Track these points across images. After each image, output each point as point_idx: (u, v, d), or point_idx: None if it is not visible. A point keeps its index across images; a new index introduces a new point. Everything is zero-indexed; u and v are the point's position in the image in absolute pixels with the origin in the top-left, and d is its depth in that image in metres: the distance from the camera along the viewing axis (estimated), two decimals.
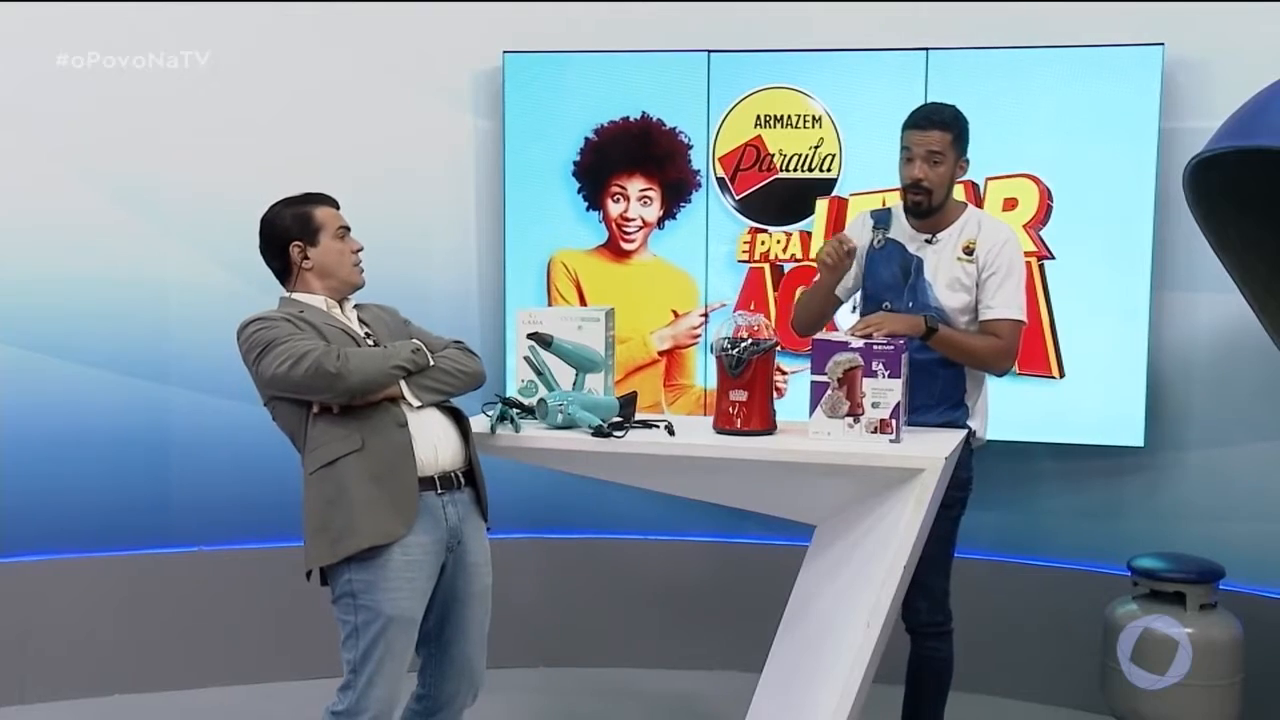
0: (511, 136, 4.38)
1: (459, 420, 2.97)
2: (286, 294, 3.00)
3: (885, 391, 2.91)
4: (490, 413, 3.07)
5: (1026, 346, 3.70)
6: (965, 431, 3.21)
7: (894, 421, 2.91)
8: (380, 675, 2.81)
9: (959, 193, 3.33)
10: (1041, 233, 4.05)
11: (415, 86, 4.44)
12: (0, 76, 4.12)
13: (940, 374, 3.23)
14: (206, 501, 4.35)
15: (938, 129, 3.18)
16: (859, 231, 3.37)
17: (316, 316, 2.91)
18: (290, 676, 4.33)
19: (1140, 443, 4.02)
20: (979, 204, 3.96)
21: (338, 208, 3.02)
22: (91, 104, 4.19)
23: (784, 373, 4.16)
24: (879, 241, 3.31)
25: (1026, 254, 3.73)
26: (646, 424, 3.09)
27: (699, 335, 4.37)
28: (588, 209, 4.40)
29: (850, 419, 2.93)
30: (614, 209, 4.40)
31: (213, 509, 4.36)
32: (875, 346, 2.93)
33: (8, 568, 4.20)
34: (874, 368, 2.91)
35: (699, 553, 4.54)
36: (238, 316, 2.90)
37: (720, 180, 4.32)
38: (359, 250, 3.02)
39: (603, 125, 4.35)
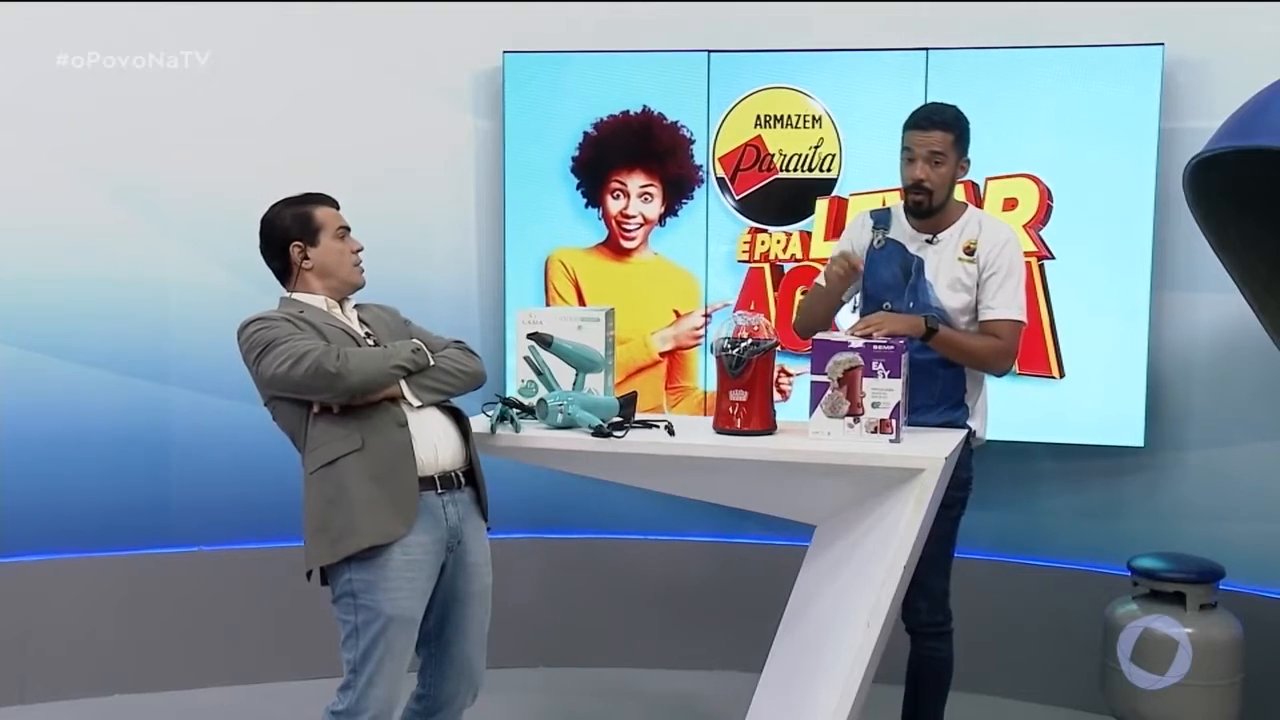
0: (511, 136, 4.38)
1: (459, 420, 2.97)
2: (287, 294, 3.00)
3: (885, 391, 2.91)
4: (490, 413, 3.07)
5: (1026, 346, 3.71)
6: (965, 431, 3.21)
7: (894, 421, 2.91)
8: (380, 675, 2.81)
9: (959, 193, 3.33)
10: (1041, 233, 4.05)
11: (415, 86, 4.44)
12: (0, 76, 4.12)
13: (940, 374, 3.23)
14: (206, 501, 4.35)
15: (939, 129, 3.17)
16: (859, 231, 3.38)
17: (317, 316, 2.91)
18: (290, 676, 4.33)
19: (1140, 443, 4.02)
20: (979, 204, 3.96)
21: (338, 208, 3.02)
22: (91, 104, 4.19)
23: (788, 374, 4.15)
24: (879, 242, 3.31)
25: (1026, 254, 3.73)
26: (646, 424, 3.10)
27: (701, 336, 4.36)
28: (586, 206, 4.40)
29: (850, 419, 2.93)
30: (614, 206, 4.39)
31: (213, 509, 4.36)
32: (875, 346, 2.93)
33: (8, 568, 4.20)
34: (874, 368, 2.91)
35: (699, 553, 4.54)
36: (238, 316, 2.90)
37: (720, 180, 4.32)
38: (359, 250, 3.02)
39: (602, 119, 4.34)
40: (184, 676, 4.35)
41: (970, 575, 3.75)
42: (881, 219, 3.34)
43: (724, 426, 3.03)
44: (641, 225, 4.39)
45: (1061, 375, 4.06)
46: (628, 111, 4.32)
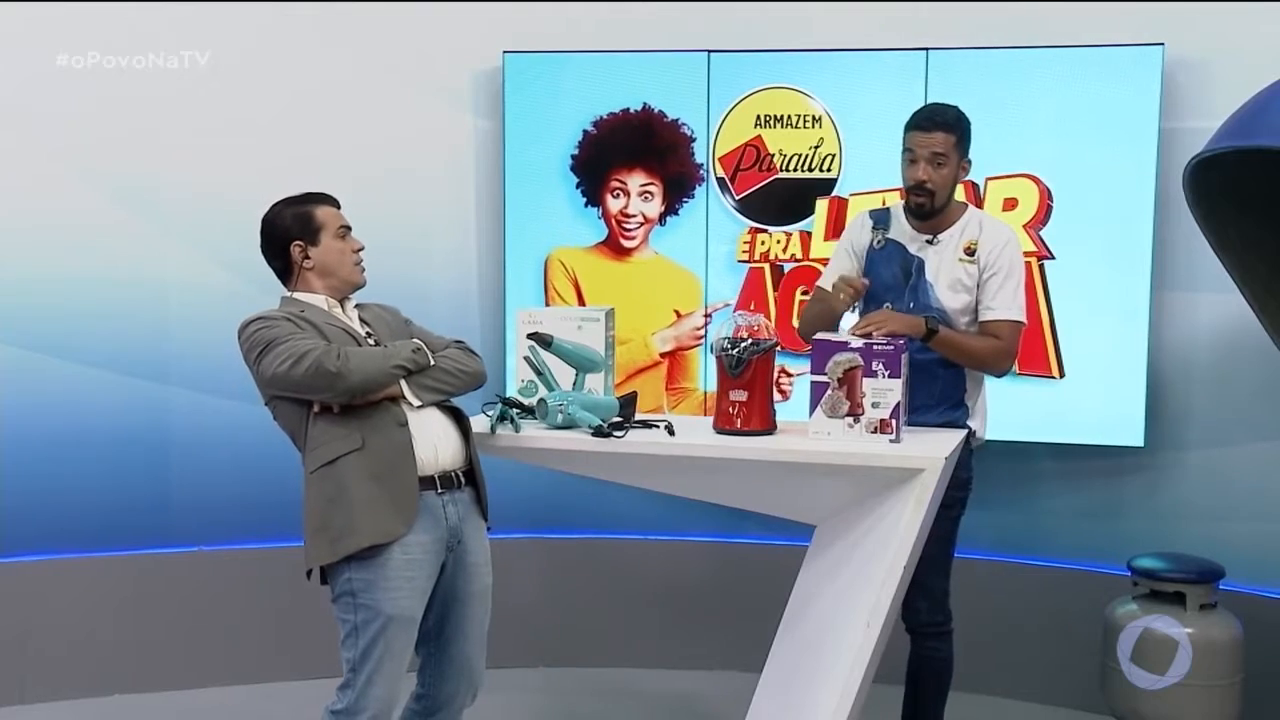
0: (511, 136, 4.38)
1: (459, 420, 2.97)
2: (288, 293, 3.00)
3: (885, 391, 2.91)
4: (490, 413, 3.07)
5: (1026, 346, 3.71)
6: (965, 431, 3.21)
7: (894, 421, 2.91)
8: (379, 674, 2.81)
9: (959, 193, 3.33)
10: (1041, 233, 4.05)
11: (415, 86, 4.44)
12: (0, 76, 4.12)
13: (940, 374, 3.23)
14: (206, 501, 4.35)
15: (941, 130, 3.17)
16: (859, 231, 3.37)
17: (317, 316, 2.91)
18: (290, 676, 4.33)
19: (1140, 443, 4.02)
20: (979, 204, 3.96)
21: (339, 207, 3.02)
22: (91, 104, 4.19)
23: (789, 374, 4.15)
24: (879, 242, 3.31)
25: (1026, 254, 3.73)
26: (646, 424, 3.09)
27: (702, 336, 4.36)
28: (586, 205, 4.40)
29: (850, 419, 2.93)
30: (614, 205, 4.38)
31: (213, 509, 4.36)
32: (875, 346, 2.93)
33: (8, 568, 4.20)
34: (874, 368, 2.91)
35: (699, 553, 4.54)
36: (238, 316, 2.90)
37: (720, 180, 4.31)
38: (360, 250, 3.02)
39: (602, 117, 4.34)
40: (184, 676, 4.35)
41: (970, 575, 3.76)
42: (881, 219, 3.34)
43: (724, 426, 3.03)
44: (642, 224, 4.38)
45: (1061, 375, 4.06)
46: (628, 109, 4.32)
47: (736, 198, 4.31)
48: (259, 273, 3.07)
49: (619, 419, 3.08)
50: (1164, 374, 4.05)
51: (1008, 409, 3.73)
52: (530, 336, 3.14)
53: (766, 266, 4.30)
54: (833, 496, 2.99)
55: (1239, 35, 3.89)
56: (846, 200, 4.20)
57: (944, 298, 3.23)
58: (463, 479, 2.94)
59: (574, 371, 3.14)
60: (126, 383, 4.28)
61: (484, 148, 4.48)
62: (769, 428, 3.03)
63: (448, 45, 4.42)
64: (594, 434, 3.00)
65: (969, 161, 3.26)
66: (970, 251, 3.22)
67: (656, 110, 4.31)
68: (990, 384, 3.38)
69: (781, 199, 4.28)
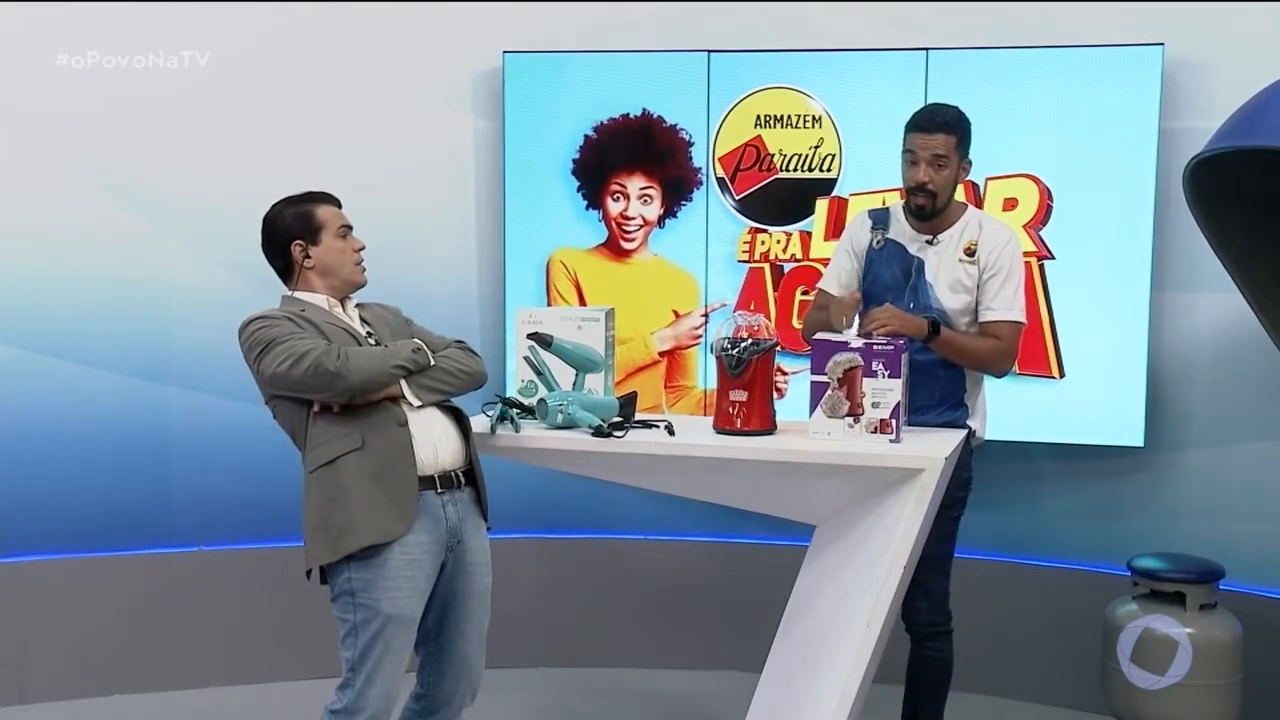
0: (511, 136, 4.38)
1: (459, 420, 2.97)
2: (289, 293, 3.00)
3: (885, 391, 2.91)
4: (490, 413, 3.07)
5: (1026, 346, 3.71)
6: (965, 431, 3.21)
7: (894, 421, 2.91)
8: (379, 674, 2.82)
9: (959, 193, 3.33)
10: (1041, 233, 4.05)
11: (415, 86, 4.44)
12: (0, 76, 4.12)
13: (940, 374, 3.23)
14: (206, 501, 4.36)
15: (942, 132, 3.17)
16: (858, 232, 3.37)
17: (318, 315, 2.91)
18: (290, 676, 4.33)
19: (1140, 443, 4.02)
20: (979, 204, 3.96)
21: (340, 206, 3.02)
22: (91, 104, 4.19)
23: (784, 372, 4.16)
24: (878, 243, 3.31)
25: (1026, 254, 3.74)
26: (646, 424, 3.10)
27: (700, 335, 4.37)
28: (587, 208, 4.40)
29: (850, 419, 2.93)
30: (614, 207, 4.39)
31: (213, 509, 4.36)
32: (875, 346, 2.94)
33: (8, 568, 4.20)
34: (874, 368, 2.91)
35: (699, 553, 4.54)
36: (238, 316, 2.90)
37: (720, 180, 4.32)
38: (361, 249, 3.01)
39: (602, 123, 4.35)
40: (184, 676, 4.35)
41: (970, 575, 3.76)
42: (880, 219, 3.34)
43: (724, 426, 3.03)
44: (641, 227, 4.39)
45: (1061, 375, 4.06)
46: (627, 115, 4.33)
47: (736, 198, 4.31)
48: (259, 272, 3.07)
49: (619, 419, 3.08)
50: (1164, 374, 4.05)
51: (1008, 409, 3.73)
52: (530, 336, 3.14)
53: (766, 266, 4.30)
54: (833, 496, 2.99)
55: (1239, 35, 3.89)
56: (846, 200, 4.20)
57: (944, 298, 3.23)
58: (463, 479, 2.94)
59: (574, 371, 3.14)
60: (126, 383, 4.28)
61: (484, 148, 4.48)
62: (769, 428, 3.03)
63: (448, 45, 4.42)
64: (594, 434, 3.00)
65: (969, 162, 3.26)
66: (970, 252, 3.22)
67: (655, 115, 4.32)
68: (990, 384, 3.38)
69: (781, 199, 4.28)
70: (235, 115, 4.29)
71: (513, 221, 4.42)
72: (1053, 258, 4.04)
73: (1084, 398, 4.05)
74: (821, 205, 4.24)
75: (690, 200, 4.34)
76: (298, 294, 2.98)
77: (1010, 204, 4.05)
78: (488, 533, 3.03)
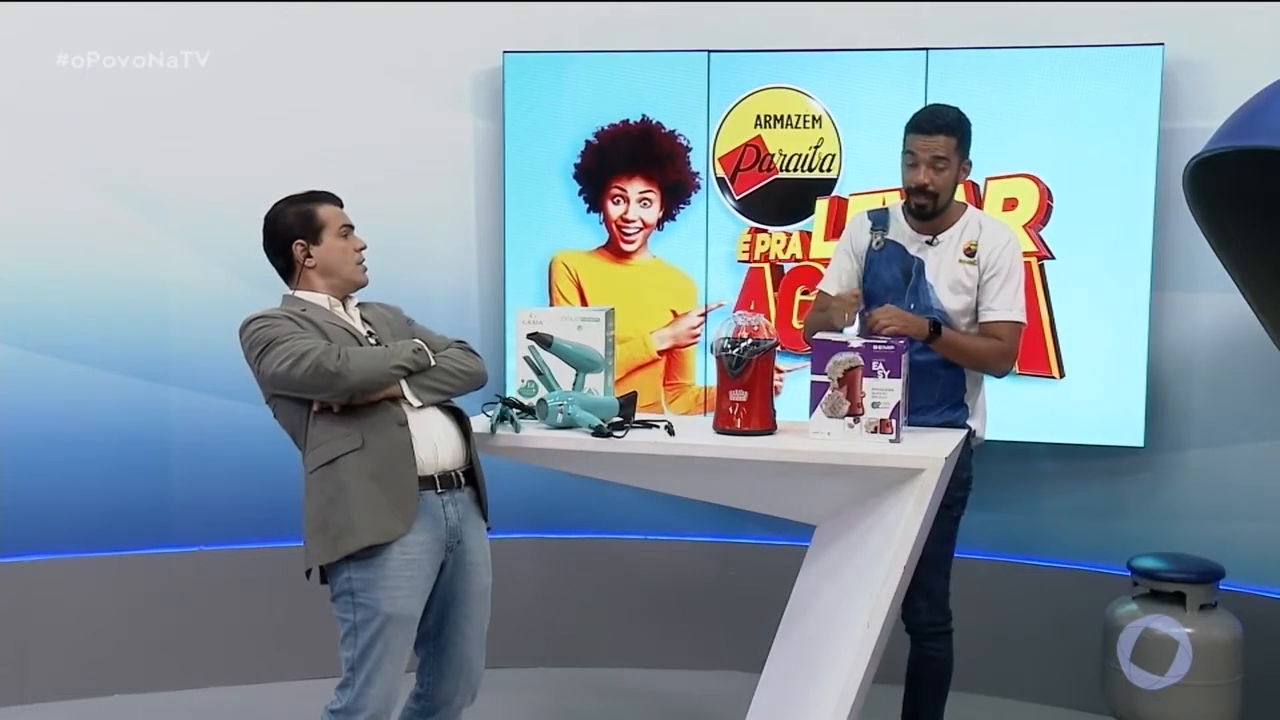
0: (511, 137, 4.38)
1: (460, 420, 2.97)
2: (290, 292, 3.00)
3: (885, 391, 2.91)
4: (490, 413, 3.07)
5: (1026, 346, 3.71)
6: (965, 431, 3.21)
7: (894, 421, 2.91)
8: (378, 673, 2.81)
9: (959, 193, 3.33)
10: (1041, 233, 4.05)
11: (415, 86, 4.44)
12: (0, 76, 4.12)
13: (940, 374, 3.23)
14: (206, 501, 4.36)
15: (943, 133, 3.16)
16: (858, 232, 3.37)
17: (319, 315, 2.91)
18: (290, 676, 4.33)
19: (1140, 443, 4.02)
20: (979, 204, 3.96)
21: (341, 206, 3.02)
22: (91, 104, 4.19)
23: (780, 371, 4.15)
24: (878, 243, 3.31)
25: (1026, 254, 3.74)
26: (646, 424, 3.10)
27: (698, 335, 4.37)
28: (588, 211, 4.41)
29: (850, 419, 2.93)
30: (614, 211, 4.40)
31: (213, 509, 4.36)
32: (875, 346, 2.94)
33: (8, 568, 4.20)
34: (874, 368, 2.92)
35: (699, 553, 4.54)
36: (238, 316, 2.90)
37: (720, 180, 4.32)
38: (362, 249, 3.01)
39: (603, 128, 4.36)
40: (184, 676, 4.35)
41: (970, 575, 3.76)
42: (880, 219, 3.34)
43: (724, 426, 3.03)
44: (641, 229, 4.40)
45: (1061, 375, 4.06)
46: (627, 120, 4.34)
47: (736, 198, 4.31)
48: (259, 272, 3.07)
49: (619, 419, 3.08)
50: (1164, 374, 4.05)
51: (1008, 409, 3.73)
52: (530, 336, 3.14)
53: (766, 266, 4.30)
54: (833, 496, 2.99)
55: (1239, 35, 3.89)
56: (846, 200, 4.20)
57: (944, 299, 3.23)
58: (463, 479, 2.94)
59: (574, 371, 3.14)
60: (126, 383, 4.28)
61: (484, 148, 4.48)
62: (769, 428, 3.03)
63: (448, 45, 4.42)
64: (594, 434, 3.00)
65: (969, 163, 3.26)
66: (970, 252, 3.22)
67: (654, 121, 4.32)
68: (990, 384, 3.38)
69: (781, 199, 4.28)
70: (235, 115, 4.29)
71: (513, 222, 4.42)
72: (1053, 258, 4.05)
73: (1084, 398, 4.05)
74: (821, 205, 4.24)
75: (689, 204, 4.35)
76: (299, 293, 2.98)
77: (1010, 204, 4.05)
78: (488, 533, 3.03)
